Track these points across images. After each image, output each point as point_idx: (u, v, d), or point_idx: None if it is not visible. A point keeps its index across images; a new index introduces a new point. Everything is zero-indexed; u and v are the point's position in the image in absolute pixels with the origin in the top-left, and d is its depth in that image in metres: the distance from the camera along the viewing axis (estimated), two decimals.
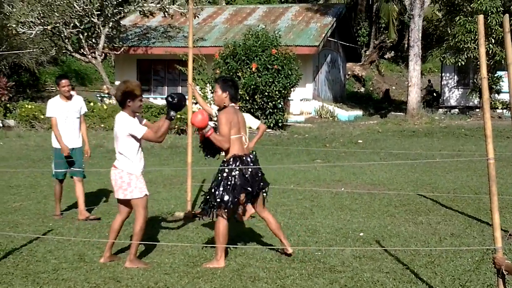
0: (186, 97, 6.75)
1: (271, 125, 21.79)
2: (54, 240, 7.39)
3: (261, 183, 6.69)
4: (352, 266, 6.34)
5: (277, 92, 21.17)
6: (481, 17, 4.56)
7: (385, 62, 45.88)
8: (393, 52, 46.40)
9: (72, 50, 26.63)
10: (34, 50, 29.01)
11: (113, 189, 6.62)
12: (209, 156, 6.77)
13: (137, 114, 6.61)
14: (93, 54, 26.22)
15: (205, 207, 6.64)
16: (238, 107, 6.76)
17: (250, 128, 8.98)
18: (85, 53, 26.28)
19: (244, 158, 6.53)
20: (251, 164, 6.53)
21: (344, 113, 27.96)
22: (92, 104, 22.95)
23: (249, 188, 6.48)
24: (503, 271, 4.23)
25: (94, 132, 20.08)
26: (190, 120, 6.63)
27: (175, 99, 6.30)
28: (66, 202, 9.66)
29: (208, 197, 6.62)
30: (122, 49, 27.47)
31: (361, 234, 7.79)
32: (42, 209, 9.41)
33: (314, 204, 9.81)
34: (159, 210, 9.29)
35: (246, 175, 6.47)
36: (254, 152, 7.04)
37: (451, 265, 6.35)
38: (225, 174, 6.46)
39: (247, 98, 21.17)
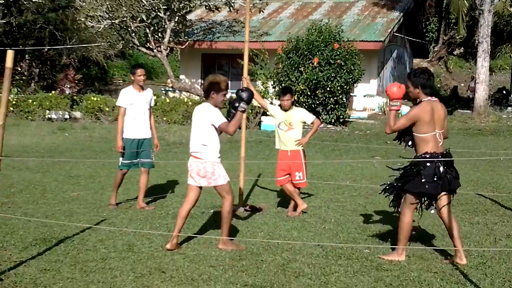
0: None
1: (332, 121, 21.60)
2: (106, 230, 7.51)
3: (456, 183, 6.51)
4: (399, 265, 6.21)
5: (339, 88, 20.96)
6: None
7: (454, 58, 44.90)
8: (462, 48, 45.33)
9: (138, 44, 27.03)
10: (102, 43, 29.68)
11: (193, 178, 6.92)
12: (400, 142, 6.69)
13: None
14: (158, 48, 26.55)
15: (394, 202, 6.69)
16: (436, 99, 6.43)
17: (305, 122, 8.94)
18: (151, 47, 26.65)
19: (436, 155, 6.30)
20: (443, 162, 6.31)
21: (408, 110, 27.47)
22: (155, 97, 23.25)
23: (439, 183, 6.29)
24: None
25: (156, 125, 20.13)
26: (386, 88, 6.52)
27: (244, 91, 6.81)
28: (122, 193, 9.80)
29: (396, 189, 6.59)
30: (187, 43, 27.73)
31: (413, 233, 7.59)
32: (98, 199, 9.59)
33: (368, 201, 9.68)
34: (212, 203, 9.32)
35: (438, 173, 6.27)
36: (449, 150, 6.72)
37: (503, 267, 6.15)
38: (418, 168, 6.29)
39: (309, 93, 21.04)
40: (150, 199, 9.63)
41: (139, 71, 9.01)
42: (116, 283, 5.59)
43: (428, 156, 6.27)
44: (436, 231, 7.68)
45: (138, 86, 9.01)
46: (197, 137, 6.81)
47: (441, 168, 6.27)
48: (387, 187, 6.73)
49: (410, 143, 6.54)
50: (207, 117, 6.74)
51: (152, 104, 9.28)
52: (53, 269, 5.96)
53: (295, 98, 20.80)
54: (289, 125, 8.72)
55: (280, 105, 8.85)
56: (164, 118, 22.28)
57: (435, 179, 6.25)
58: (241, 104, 6.71)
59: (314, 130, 8.87)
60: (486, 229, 7.86)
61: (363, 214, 8.66)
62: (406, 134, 6.53)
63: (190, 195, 6.99)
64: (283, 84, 20.79)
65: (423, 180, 6.25)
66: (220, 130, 6.78)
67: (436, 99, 6.44)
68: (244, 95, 6.78)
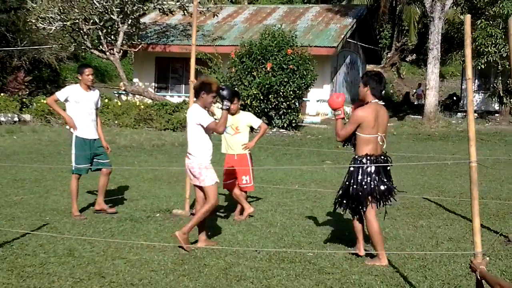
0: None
1: (285, 125, 21.69)
2: (47, 235, 7.37)
3: (392, 186, 6.58)
4: (341, 268, 6.24)
5: (291, 92, 21.06)
6: (468, 17, 4.46)
7: (406, 64, 45.52)
8: (415, 55, 46.00)
9: (91, 47, 26.72)
10: (54, 45, 29.22)
11: (190, 177, 7.27)
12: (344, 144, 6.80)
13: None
14: (111, 51, 26.29)
15: (343, 207, 6.72)
16: (381, 103, 6.51)
17: (251, 127, 8.94)
18: (103, 49, 26.37)
19: (378, 158, 6.40)
20: (380, 168, 6.40)
21: None
22: (107, 100, 23.01)
23: (382, 187, 6.42)
24: (478, 276, 4.11)
25: (108, 128, 20.11)
26: (329, 99, 6.68)
27: (224, 89, 6.97)
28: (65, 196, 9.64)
29: (342, 199, 6.64)
30: (140, 46, 27.52)
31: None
32: (42, 203, 9.41)
33: (316, 205, 9.71)
34: (158, 207, 9.25)
35: (376, 176, 6.38)
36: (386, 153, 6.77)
37: (443, 269, 6.22)
38: (360, 171, 6.37)
39: (261, 97, 21.09)
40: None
41: (87, 71, 8.79)
42: None
43: (368, 157, 6.36)
44: None
45: (85, 85, 8.80)
46: (189, 137, 7.04)
47: (376, 174, 6.39)
48: (339, 201, 6.76)
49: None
50: (194, 118, 6.93)
51: (99, 106, 9.09)
52: None
53: (248, 103, 20.92)
54: (235, 129, 8.70)
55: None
56: (116, 122, 22.03)
57: (369, 180, 6.36)
58: (225, 103, 6.89)
59: (261, 135, 8.88)
60: (429, 232, 7.95)
61: (310, 218, 8.68)
62: (350, 136, 6.59)
63: (197, 195, 7.24)
64: (236, 88, 20.79)
65: (367, 180, 6.37)
66: (210, 130, 6.97)
67: (382, 103, 6.51)
68: (225, 93, 6.94)
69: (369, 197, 6.44)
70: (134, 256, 6.58)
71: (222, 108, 6.99)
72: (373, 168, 6.36)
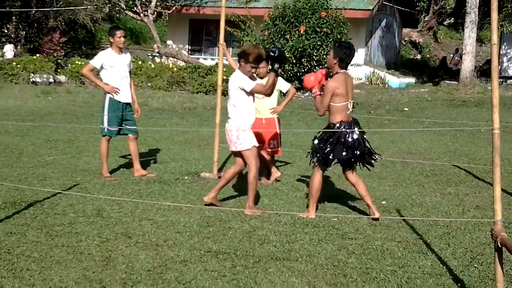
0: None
1: None
2: (77, 195, 7.52)
3: (364, 148, 6.91)
4: (365, 234, 6.27)
5: (325, 56, 20.89)
6: None
7: (444, 28, 44.69)
8: (453, 18, 45.11)
9: (125, 8, 26.81)
10: (89, 6, 29.38)
11: (227, 141, 7.20)
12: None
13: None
14: (145, 12, 26.34)
15: (313, 159, 7.05)
16: (348, 72, 6.90)
17: (280, 91, 8.92)
18: (138, 11, 26.42)
19: (350, 126, 6.75)
20: (356, 131, 6.79)
21: (395, 80, 27.40)
22: (140, 62, 23.13)
23: (356, 152, 6.78)
24: (498, 243, 4.11)
25: (140, 91, 20.27)
26: (303, 80, 7.03)
27: (276, 52, 6.75)
28: (97, 158, 9.79)
29: (315, 152, 6.97)
30: (174, 8, 27.52)
31: (383, 202, 7.70)
32: (73, 164, 9.59)
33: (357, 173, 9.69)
34: (187, 170, 9.35)
35: (350, 140, 6.73)
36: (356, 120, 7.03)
37: (467, 237, 6.21)
38: (336, 135, 6.71)
39: (294, 61, 20.98)
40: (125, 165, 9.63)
41: (119, 33, 8.77)
42: (80, 247, 5.61)
43: (343, 124, 6.71)
44: (406, 201, 7.73)
45: (117, 48, 8.81)
46: (229, 102, 7.06)
47: (355, 135, 6.74)
48: (314, 153, 7.04)
49: None
50: (235, 83, 6.95)
51: (131, 68, 9.14)
52: (19, 232, 5.97)
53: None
54: None
55: (255, 73, 8.79)
56: (149, 84, 22.17)
57: (350, 145, 6.73)
58: (275, 66, 6.78)
59: (290, 99, 8.88)
60: (457, 199, 7.92)
61: (337, 183, 8.70)
62: None
63: (236, 159, 7.28)
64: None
65: (340, 148, 6.74)
66: (255, 93, 7.03)
67: (348, 71, 6.90)
68: (274, 55, 6.75)
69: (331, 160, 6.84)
70: (161, 217, 6.69)
71: (269, 70, 6.92)
72: (352, 135, 6.73)
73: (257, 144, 7.13)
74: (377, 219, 6.74)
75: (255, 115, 8.75)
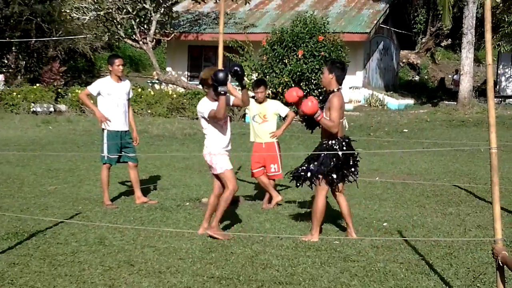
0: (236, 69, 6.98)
1: None
2: (79, 224, 7.54)
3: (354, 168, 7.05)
4: (367, 256, 6.28)
5: None
6: (487, 2, 4.43)
7: (441, 50, 44.92)
8: (450, 39, 45.37)
9: (124, 36, 26.95)
10: (88, 35, 29.56)
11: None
12: (309, 129, 7.20)
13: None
14: (144, 40, 26.50)
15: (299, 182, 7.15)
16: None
17: (279, 115, 8.98)
18: (137, 39, 26.58)
19: (347, 140, 6.93)
20: (350, 148, 6.94)
21: (394, 102, 27.52)
22: (140, 90, 23.24)
23: (351, 169, 6.98)
24: (499, 262, 4.13)
25: (140, 118, 20.34)
26: (301, 107, 6.80)
27: (218, 73, 6.71)
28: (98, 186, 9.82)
29: (302, 173, 7.04)
30: (173, 35, 27.68)
31: (385, 224, 7.70)
32: (75, 193, 9.61)
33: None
34: (188, 196, 9.38)
35: (350, 157, 6.93)
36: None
37: (469, 257, 6.22)
38: (332, 153, 6.80)
39: (293, 85, 21.06)
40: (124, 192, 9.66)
41: (117, 61, 8.86)
42: (83, 276, 5.62)
43: (340, 141, 6.84)
44: (407, 222, 7.74)
45: (116, 76, 8.88)
46: (203, 131, 7.15)
47: (351, 155, 6.92)
48: (299, 174, 7.13)
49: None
50: (199, 111, 7.06)
51: (131, 96, 9.20)
52: (21, 263, 5.98)
53: (280, 91, 20.94)
54: (263, 117, 8.77)
55: (254, 98, 8.87)
56: (149, 111, 22.25)
57: (341, 163, 6.84)
58: (219, 88, 6.71)
59: (289, 122, 8.95)
60: (458, 219, 7.94)
61: (338, 206, 8.68)
62: (314, 123, 6.94)
63: (214, 185, 7.39)
64: (267, 77, 20.83)
65: (334, 164, 6.81)
66: (218, 120, 6.97)
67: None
68: (219, 77, 6.68)
69: (325, 178, 6.88)
70: (163, 244, 6.70)
71: (219, 94, 6.72)
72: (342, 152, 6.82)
73: (231, 167, 7.10)
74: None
75: (255, 140, 8.88)
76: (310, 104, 6.68)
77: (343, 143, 6.86)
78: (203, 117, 7.00)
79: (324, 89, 7.13)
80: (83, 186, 10.15)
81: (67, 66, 31.69)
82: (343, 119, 6.91)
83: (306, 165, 7.09)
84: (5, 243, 6.66)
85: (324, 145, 6.90)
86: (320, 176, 6.89)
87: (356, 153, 7.03)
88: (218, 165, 7.06)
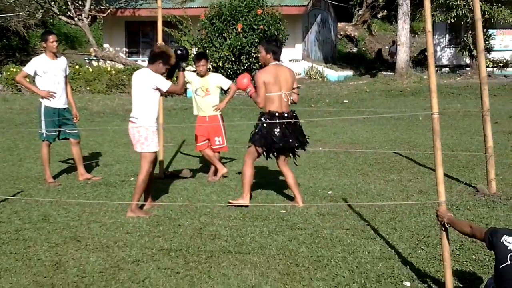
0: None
1: None
2: (21, 201, 7.39)
3: (291, 142, 7.10)
4: (314, 223, 6.36)
5: None
6: None
7: (378, 21, 45.46)
8: (385, 11, 45.93)
9: (58, 13, 26.34)
10: (21, 13, 28.75)
11: (132, 143, 7.06)
12: None
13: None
14: (79, 16, 25.95)
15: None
16: (281, 63, 7.23)
17: (221, 88, 8.95)
18: (71, 15, 26.01)
19: (279, 115, 6.95)
20: (284, 121, 7.00)
21: (334, 74, 27.77)
22: (77, 67, 22.78)
23: (275, 144, 7.04)
24: (446, 224, 4.24)
25: (79, 95, 19.93)
26: (236, 82, 7.29)
27: (183, 51, 7.08)
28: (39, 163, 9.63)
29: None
30: (109, 11, 27.18)
31: (330, 192, 7.81)
32: (15, 171, 9.41)
33: (289, 163, 9.77)
34: (133, 171, 9.28)
35: (276, 131, 6.97)
36: (294, 112, 7.18)
37: (413, 221, 6.37)
38: (259, 125, 7.08)
39: (233, 59, 21.02)
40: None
41: (51, 37, 8.63)
42: (29, 253, 5.53)
43: (273, 114, 6.96)
44: (351, 190, 7.86)
45: (51, 53, 8.67)
46: (136, 102, 6.93)
47: (277, 130, 6.99)
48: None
49: None
50: (150, 82, 6.83)
51: (68, 73, 9.00)
52: None
53: (220, 65, 20.87)
54: (205, 90, 8.73)
55: (196, 71, 8.82)
56: (88, 88, 21.84)
57: (273, 136, 7.00)
58: (181, 64, 7.04)
59: (231, 95, 8.93)
60: (400, 185, 8.10)
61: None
62: None
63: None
64: (207, 51, 20.70)
65: (262, 136, 7.05)
66: (165, 94, 7.06)
67: (282, 64, 7.25)
68: (180, 54, 7.03)
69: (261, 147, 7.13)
70: (109, 219, 6.64)
71: (180, 69, 7.04)
72: (276, 125, 6.97)
73: (155, 150, 7.00)
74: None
75: (198, 113, 8.84)
76: (243, 81, 7.13)
77: (274, 116, 6.97)
78: (157, 89, 6.82)
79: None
80: (24, 165, 9.94)
81: (0, 44, 30.76)
82: (281, 93, 6.96)
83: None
84: None
85: (259, 116, 7.22)
86: (250, 145, 7.19)
87: (280, 126, 7.02)
88: (153, 143, 6.90)
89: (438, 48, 31.91)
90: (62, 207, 7.12)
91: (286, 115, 7.01)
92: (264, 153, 7.24)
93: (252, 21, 21.05)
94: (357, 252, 5.43)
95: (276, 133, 6.98)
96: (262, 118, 7.06)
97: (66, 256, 5.46)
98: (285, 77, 7.05)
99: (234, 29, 21.07)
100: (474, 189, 7.68)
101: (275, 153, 7.25)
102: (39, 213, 6.89)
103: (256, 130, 7.14)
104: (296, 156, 7.46)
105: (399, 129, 13.60)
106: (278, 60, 7.11)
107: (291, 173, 7.28)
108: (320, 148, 11.09)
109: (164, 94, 7.15)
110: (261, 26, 21.01)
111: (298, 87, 7.36)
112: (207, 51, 20.74)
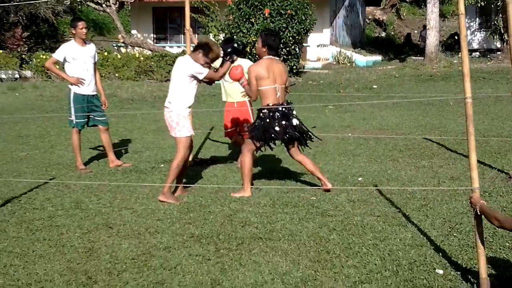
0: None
1: None
2: (54, 188, 7.48)
3: (290, 132, 7.06)
4: (344, 210, 6.33)
5: (291, 38, 20.91)
6: None
7: (406, 5, 44.92)
8: None
9: None
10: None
11: (168, 128, 7.10)
12: None
13: None
14: (107, 2, 26.08)
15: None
16: (276, 58, 7.18)
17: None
18: (99, 1, 26.14)
19: (276, 107, 6.98)
20: (283, 114, 7.04)
21: (362, 59, 27.59)
22: (106, 53, 22.91)
23: (273, 136, 7.04)
24: (478, 211, 4.18)
25: (108, 82, 20.08)
26: (229, 72, 7.19)
27: (241, 46, 7.12)
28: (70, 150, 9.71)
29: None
30: None
31: (360, 178, 7.77)
32: (47, 158, 9.51)
33: (318, 150, 9.75)
34: (162, 158, 9.34)
35: (276, 127, 6.98)
36: (291, 103, 7.22)
37: (445, 208, 6.31)
38: (259, 117, 7.10)
39: None
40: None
41: (80, 24, 8.65)
42: (62, 240, 5.59)
43: (268, 108, 7.01)
44: (382, 176, 7.82)
45: (80, 40, 8.68)
46: (172, 87, 6.98)
47: (276, 126, 7.00)
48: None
49: None
50: (186, 69, 6.87)
51: (96, 60, 9.02)
52: None
53: (248, 50, 20.80)
54: None
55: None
56: (116, 75, 21.98)
57: (273, 132, 7.01)
58: (234, 57, 7.06)
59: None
60: (431, 172, 8.03)
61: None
62: None
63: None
64: (235, 37, 20.65)
65: (260, 131, 7.05)
66: (205, 82, 7.07)
67: (277, 58, 7.21)
68: (239, 48, 7.08)
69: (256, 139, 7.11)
70: (140, 206, 6.69)
71: (225, 58, 7.04)
72: (275, 115, 7.01)
73: (193, 133, 7.14)
74: (329, 190, 7.04)
75: (227, 99, 8.84)
76: (236, 71, 7.11)
77: (271, 109, 7.01)
78: (194, 77, 6.85)
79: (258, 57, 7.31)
80: (55, 152, 10.05)
81: (30, 31, 31.01)
82: (275, 86, 7.00)
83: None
84: None
85: (257, 110, 7.26)
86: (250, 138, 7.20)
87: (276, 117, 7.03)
88: (185, 128, 6.94)
89: (468, 32, 31.48)
90: (93, 194, 7.19)
91: (281, 108, 7.03)
92: (264, 146, 7.21)
93: (279, 5, 20.95)
94: (388, 239, 5.40)
95: (276, 129, 6.99)
96: (261, 114, 7.08)
97: (98, 242, 5.52)
98: (279, 71, 7.07)
99: (261, 14, 20.99)
100: (506, 175, 7.58)
101: (283, 144, 7.26)
102: (71, 200, 6.96)
103: (256, 125, 7.12)
104: (304, 145, 7.38)
105: (429, 114, 13.46)
106: (274, 55, 7.14)
107: (307, 159, 7.29)
108: (350, 134, 11.03)
109: (205, 82, 7.12)
110: (289, 11, 20.91)
111: (292, 85, 7.40)
112: (235, 36, 20.70)
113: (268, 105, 6.99)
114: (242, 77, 7.15)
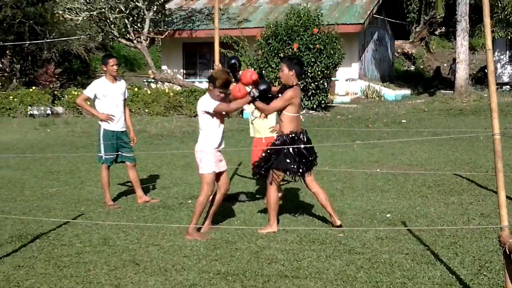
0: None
1: (314, 106, 21.63)
2: (82, 224, 7.54)
3: (310, 161, 7.17)
4: (372, 248, 6.28)
5: (319, 73, 20.99)
6: None
7: (436, 38, 44.87)
8: (444, 27, 45.34)
9: (118, 36, 26.91)
10: (82, 36, 29.52)
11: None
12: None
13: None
14: (138, 39, 26.46)
15: (258, 171, 7.32)
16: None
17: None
18: (131, 38, 26.55)
19: (300, 135, 7.09)
20: (305, 142, 7.11)
21: (391, 93, 27.52)
22: (136, 89, 23.19)
23: (306, 160, 7.10)
24: (507, 250, 4.12)
25: (138, 117, 20.32)
26: (231, 91, 7.03)
27: (262, 84, 6.81)
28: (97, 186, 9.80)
29: (262, 163, 7.22)
30: (167, 33, 27.63)
31: (388, 215, 7.70)
32: (77, 194, 9.61)
33: (346, 185, 9.73)
34: (190, 194, 9.37)
35: (302, 148, 7.03)
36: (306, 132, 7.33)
37: (474, 245, 6.22)
38: (285, 146, 7.01)
39: None
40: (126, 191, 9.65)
41: (111, 61, 8.81)
42: (89, 276, 5.62)
43: (293, 135, 7.05)
44: (410, 213, 7.74)
45: (111, 77, 8.83)
46: (199, 126, 7.09)
47: (302, 146, 7.04)
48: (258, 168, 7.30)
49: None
50: (201, 106, 6.97)
51: (126, 96, 9.16)
52: (27, 265, 5.99)
53: (276, 85, 20.89)
54: None
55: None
56: (146, 110, 22.21)
57: (297, 157, 7.04)
58: (253, 90, 6.79)
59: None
60: (461, 208, 7.94)
61: (340, 199, 8.71)
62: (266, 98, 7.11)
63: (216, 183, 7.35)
64: (263, 72, 20.79)
65: (287, 158, 7.02)
66: (220, 117, 7.02)
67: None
68: (265, 92, 6.83)
69: (280, 171, 7.10)
70: (167, 242, 6.70)
71: (250, 95, 6.84)
72: (299, 142, 7.05)
73: (217, 171, 7.06)
74: (339, 226, 7.05)
75: (255, 135, 8.87)
76: (247, 74, 6.87)
77: (294, 137, 7.04)
78: (207, 112, 6.91)
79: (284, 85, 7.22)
80: (85, 188, 10.14)
81: (62, 68, 31.59)
82: (299, 114, 7.13)
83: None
84: (9, 246, 6.66)
85: (277, 137, 7.21)
86: (273, 171, 7.08)
87: (301, 146, 7.06)
88: (206, 165, 6.97)
89: (499, 65, 31.30)
90: (121, 230, 7.23)
91: (301, 135, 7.12)
92: (290, 174, 7.16)
93: (308, 40, 21.07)
94: (417, 278, 5.33)
95: (303, 149, 7.01)
96: (285, 138, 7.04)
97: (125, 279, 5.53)
98: (300, 99, 7.19)
99: (290, 49, 21.12)
100: None
101: (302, 172, 7.14)
102: (99, 236, 7.00)
103: (280, 153, 7.05)
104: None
105: (459, 149, 13.34)
106: (299, 79, 7.15)
107: (322, 193, 7.26)
108: (378, 170, 10.97)
109: (217, 117, 7.06)
110: (317, 45, 21.01)
111: None
112: (264, 71, 20.85)
113: (290, 131, 7.03)
114: (250, 82, 6.89)
